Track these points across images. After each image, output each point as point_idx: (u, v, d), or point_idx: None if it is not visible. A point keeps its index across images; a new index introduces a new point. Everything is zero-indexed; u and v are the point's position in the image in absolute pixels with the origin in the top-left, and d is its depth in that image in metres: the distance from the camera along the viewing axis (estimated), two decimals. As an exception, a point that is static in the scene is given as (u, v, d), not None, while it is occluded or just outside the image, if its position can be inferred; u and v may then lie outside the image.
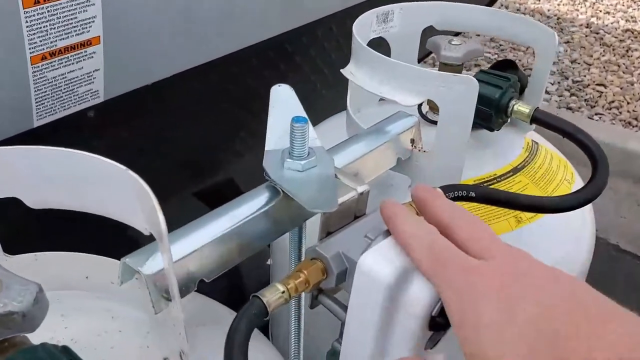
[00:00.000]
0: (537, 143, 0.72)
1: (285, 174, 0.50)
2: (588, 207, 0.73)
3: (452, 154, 0.59)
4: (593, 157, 0.57)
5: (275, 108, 0.55)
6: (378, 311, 0.45)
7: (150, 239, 0.44)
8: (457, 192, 0.56)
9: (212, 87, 0.90)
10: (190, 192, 1.04)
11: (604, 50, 2.72)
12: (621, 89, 2.45)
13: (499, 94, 0.62)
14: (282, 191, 0.50)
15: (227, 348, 0.40)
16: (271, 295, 0.44)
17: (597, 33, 2.87)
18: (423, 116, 0.69)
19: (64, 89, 0.70)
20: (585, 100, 2.41)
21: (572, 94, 2.42)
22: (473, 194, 0.56)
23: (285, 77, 1.03)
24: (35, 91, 0.67)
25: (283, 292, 0.44)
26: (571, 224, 0.69)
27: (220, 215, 0.48)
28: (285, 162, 0.50)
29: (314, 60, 1.05)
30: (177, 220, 0.45)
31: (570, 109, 2.33)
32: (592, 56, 2.67)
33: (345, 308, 0.51)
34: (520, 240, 0.63)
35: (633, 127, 2.25)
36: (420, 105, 0.68)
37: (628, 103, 2.37)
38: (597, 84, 2.49)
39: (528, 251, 0.63)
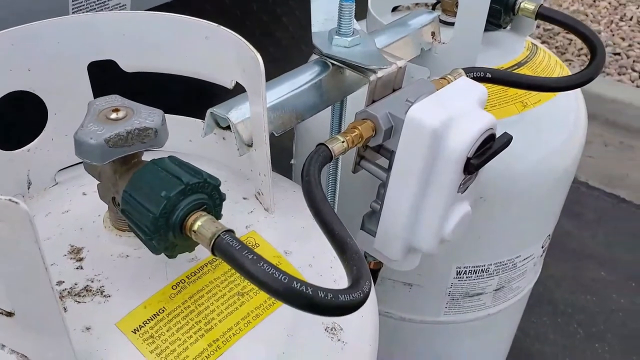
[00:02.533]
0: (536, 45, 0.80)
1: (333, 50, 0.57)
2: (582, 108, 0.81)
3: (468, 46, 0.67)
4: (592, 44, 0.66)
5: (317, -4, 0.62)
6: (423, 156, 0.52)
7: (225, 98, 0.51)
8: (476, 73, 0.64)
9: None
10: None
11: (572, 1, 2.83)
12: (589, 36, 2.56)
13: (508, -8, 0.69)
14: (332, 65, 0.57)
15: (304, 182, 0.48)
16: (333, 144, 0.51)
17: (566, -17, 2.97)
18: (436, 19, 0.76)
19: (97, 1, 0.75)
20: (555, 47, 2.52)
21: (543, 42, 2.53)
22: (489, 75, 0.64)
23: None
24: (72, 1, 0.71)
25: (343, 142, 0.52)
26: (568, 117, 0.78)
27: (280, 83, 0.55)
28: (333, 39, 0.57)
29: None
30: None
31: (541, 55, 2.44)
32: (561, 5, 2.77)
33: (384, 169, 0.59)
34: (525, 123, 0.72)
35: (600, 73, 2.37)
36: (433, 8, 0.76)
37: (596, 49, 2.49)
38: (566, 32, 2.59)
39: (531, 133, 0.71)
